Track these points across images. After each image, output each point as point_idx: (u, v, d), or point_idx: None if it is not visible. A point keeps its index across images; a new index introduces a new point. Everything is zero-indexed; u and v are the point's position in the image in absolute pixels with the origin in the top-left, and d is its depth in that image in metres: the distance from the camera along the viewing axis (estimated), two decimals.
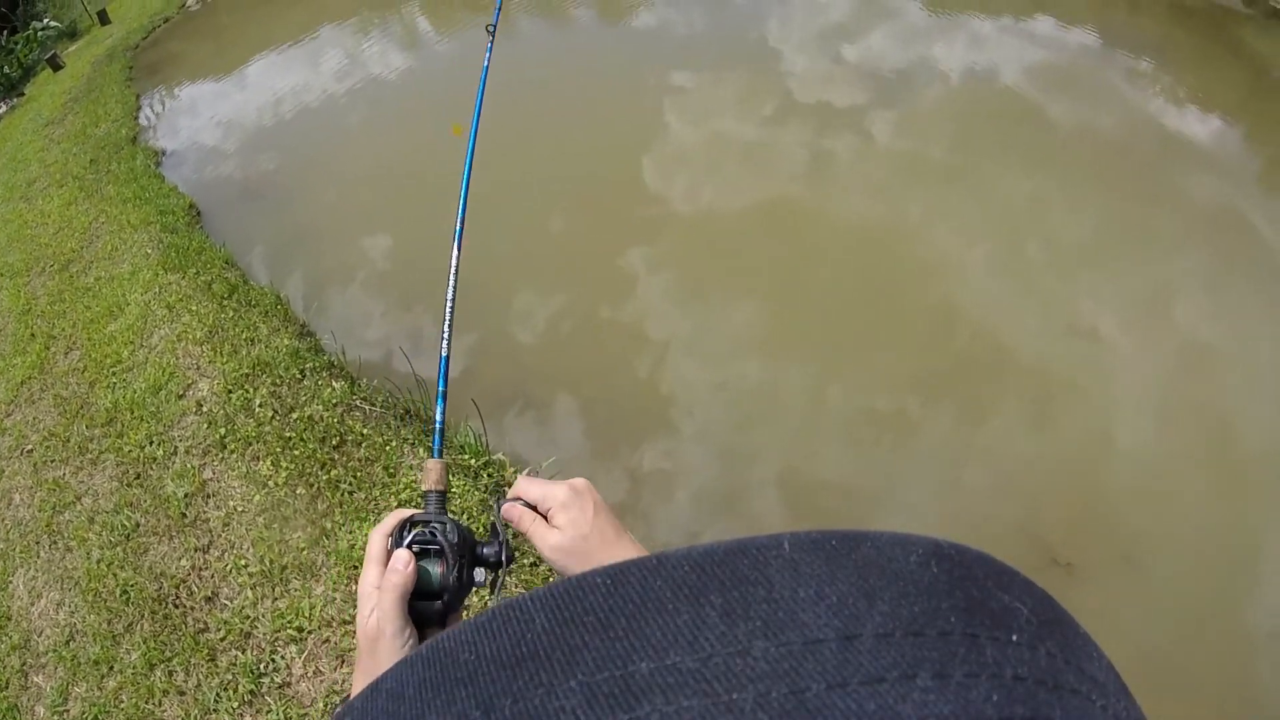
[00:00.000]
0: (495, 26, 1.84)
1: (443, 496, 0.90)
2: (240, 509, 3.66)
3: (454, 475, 3.58)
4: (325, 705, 3.01)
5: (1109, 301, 5.00)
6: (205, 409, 4.08)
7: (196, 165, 7.32)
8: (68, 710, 3.34)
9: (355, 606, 2.61)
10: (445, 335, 1.04)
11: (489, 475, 3.60)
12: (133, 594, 3.53)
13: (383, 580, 0.75)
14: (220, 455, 3.87)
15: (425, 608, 0.77)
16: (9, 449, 4.45)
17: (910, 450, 4.15)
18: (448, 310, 1.08)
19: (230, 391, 4.10)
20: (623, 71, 7.46)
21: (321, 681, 3.08)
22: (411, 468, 3.65)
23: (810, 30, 7.89)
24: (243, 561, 3.47)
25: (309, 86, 8.34)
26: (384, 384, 4.14)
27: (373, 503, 3.53)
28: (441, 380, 1.01)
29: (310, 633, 3.20)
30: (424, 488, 0.90)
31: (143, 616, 3.45)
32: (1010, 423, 4.32)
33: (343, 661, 3.11)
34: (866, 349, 4.60)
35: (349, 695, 0.88)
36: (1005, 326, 4.80)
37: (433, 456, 0.94)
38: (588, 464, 3.88)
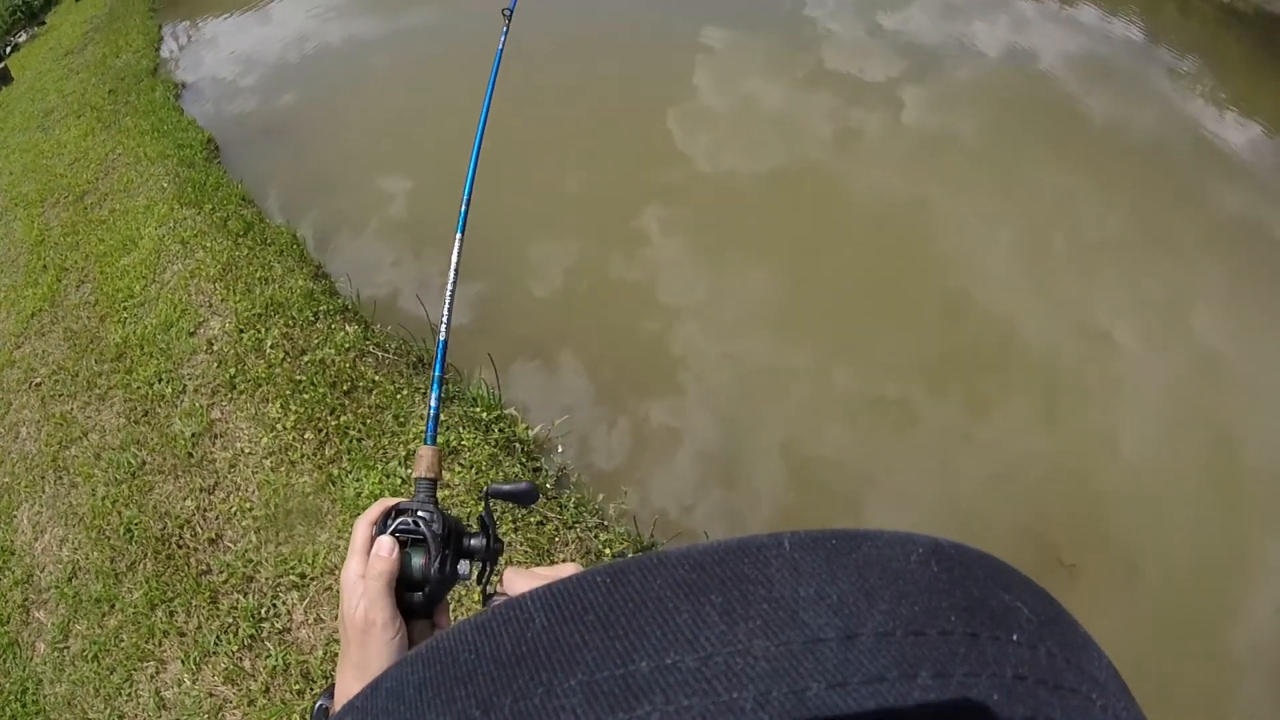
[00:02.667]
0: (512, 11, 1.79)
1: (433, 485, 0.86)
2: (247, 451, 3.59)
3: (465, 429, 3.50)
4: (325, 653, 2.98)
5: (1126, 303, 4.96)
6: (216, 348, 4.01)
7: (216, 100, 7.15)
8: (68, 646, 3.32)
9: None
10: (444, 319, 1.01)
11: (500, 430, 3.53)
12: (136, 532, 3.49)
13: (367, 569, 0.73)
14: (229, 395, 3.80)
15: (409, 599, 0.75)
16: (17, 382, 4.39)
17: (913, 436, 4.12)
18: (448, 295, 1.05)
19: (242, 331, 4.02)
20: (652, 28, 7.23)
21: (322, 629, 3.04)
22: (423, 417, 3.57)
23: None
24: (248, 504, 3.42)
25: (334, 25, 8.13)
26: (398, 331, 4.05)
27: (381, 451, 3.45)
28: (439, 365, 0.97)
29: (312, 579, 3.16)
30: (414, 474, 0.87)
31: (145, 556, 3.41)
32: (1016, 417, 4.30)
33: None
34: (877, 330, 4.54)
35: (331, 685, 0.82)
36: (1019, 319, 4.75)
37: (425, 443, 0.91)
38: (591, 424, 3.82)
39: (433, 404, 0.96)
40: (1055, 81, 7.00)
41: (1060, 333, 4.73)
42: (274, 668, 2.97)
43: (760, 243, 4.87)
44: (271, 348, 3.92)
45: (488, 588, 0.82)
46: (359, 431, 3.53)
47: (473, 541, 0.81)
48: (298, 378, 3.76)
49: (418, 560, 0.76)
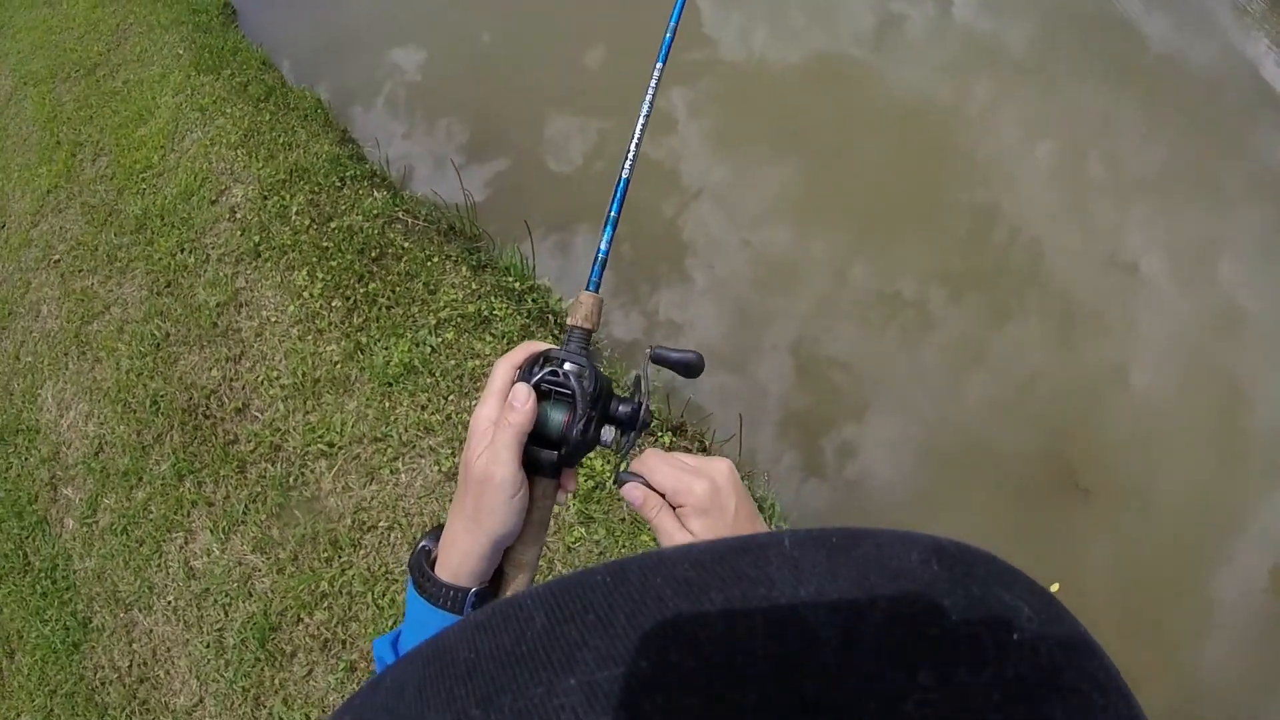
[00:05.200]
0: None
1: (587, 336, 0.77)
2: (274, 319, 3.44)
3: (497, 298, 3.34)
4: (353, 520, 2.94)
5: (1157, 240, 4.82)
6: (239, 216, 3.82)
7: None
8: (97, 521, 3.27)
9: (385, 426, 2.38)
10: (630, 154, 0.90)
11: (533, 300, 3.36)
12: (162, 404, 3.39)
13: (500, 416, 0.68)
14: (254, 264, 3.63)
15: (539, 454, 0.70)
16: (36, 260, 4.24)
17: (928, 343, 4.03)
18: (639, 128, 0.94)
19: (266, 198, 3.82)
20: None
21: (350, 497, 2.97)
22: (454, 286, 3.39)
23: None
24: (274, 373, 3.29)
25: None
26: (429, 196, 3.84)
27: (410, 319, 3.29)
28: (616, 205, 0.86)
29: (340, 449, 3.07)
30: (570, 321, 0.78)
31: (172, 428, 3.32)
32: (1032, 338, 4.20)
33: (371, 479, 2.99)
34: (900, 232, 4.39)
35: (438, 527, 0.75)
36: (1046, 239, 4.59)
37: (587, 288, 0.80)
38: (614, 299, 3.72)
39: (603, 246, 0.84)
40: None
41: (1087, 259, 4.60)
42: (302, 536, 2.90)
43: (788, 132, 4.62)
44: (297, 214, 3.72)
45: (622, 465, 0.75)
46: (388, 299, 3.36)
47: (621, 408, 0.74)
48: (324, 244, 3.57)
49: (558, 416, 0.70)
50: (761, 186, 4.35)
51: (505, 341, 3.22)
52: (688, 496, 0.69)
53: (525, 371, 0.71)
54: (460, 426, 3.05)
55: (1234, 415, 4.30)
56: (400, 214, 3.68)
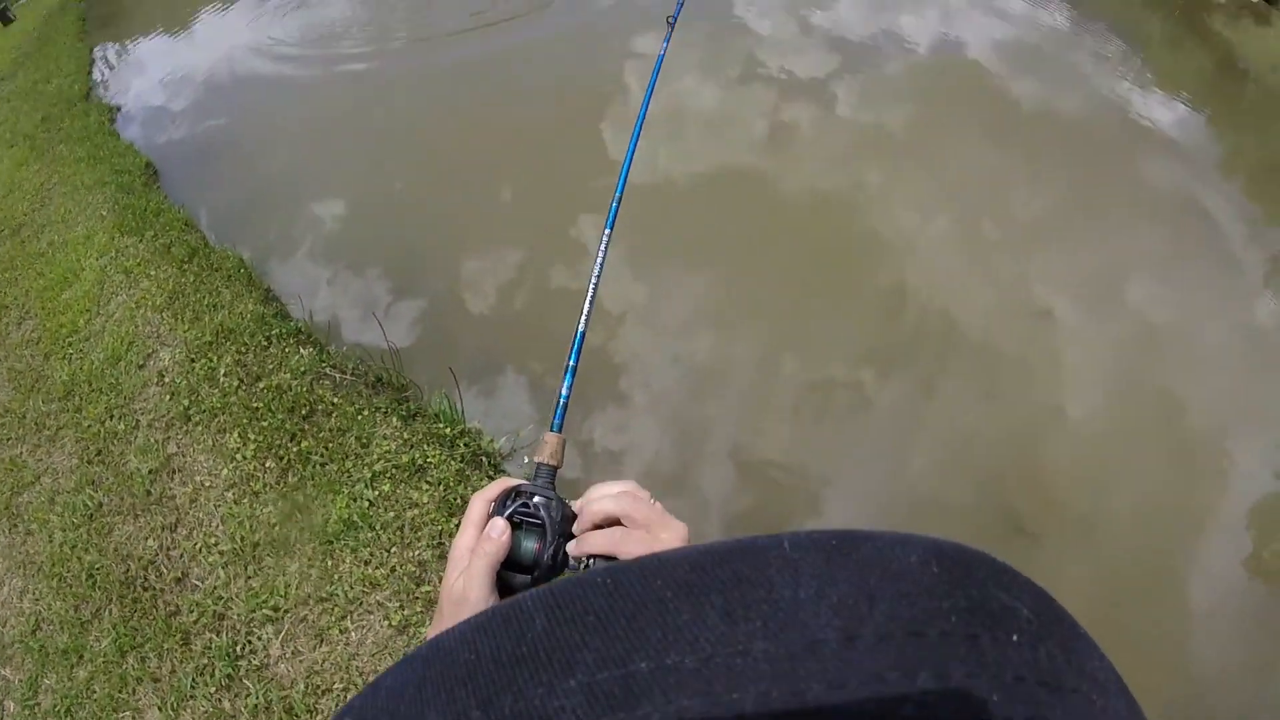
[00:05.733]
0: (675, 19, 1.74)
1: (553, 472, 0.87)
2: (208, 484, 3.49)
3: (430, 445, 3.44)
4: (306, 686, 2.92)
5: (1062, 280, 5.12)
6: (168, 379, 3.89)
7: (153, 123, 6.92)
8: (39, 703, 3.22)
9: (330, 585, 2.47)
10: (585, 310, 1.01)
11: (465, 444, 3.46)
12: (99, 578, 3.38)
13: (476, 544, 0.74)
14: (185, 428, 3.69)
15: (513, 579, 0.76)
16: None
17: (864, 424, 4.21)
18: (591, 285, 1.03)
19: (193, 360, 3.90)
20: (580, 33, 7.14)
21: (301, 661, 2.98)
22: (386, 437, 3.49)
23: None
24: (213, 539, 3.33)
25: (265, 37, 7.89)
26: (355, 350, 3.95)
27: (345, 475, 3.37)
28: (574, 355, 0.98)
29: (286, 612, 3.09)
30: (537, 459, 0.88)
31: (111, 601, 3.31)
32: (964, 397, 4.40)
33: (321, 640, 3.00)
34: (820, 322, 4.61)
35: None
36: (959, 301, 4.86)
37: (551, 429, 0.91)
38: (537, 434, 3.76)
39: (564, 392, 0.96)
40: (985, 68, 7.20)
41: (1001, 312, 4.86)
42: (255, 706, 2.89)
43: (700, 245, 4.89)
44: (225, 375, 3.81)
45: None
46: (322, 456, 3.45)
47: None
48: (254, 405, 3.66)
49: (530, 544, 0.76)
50: (682, 299, 4.54)
51: (442, 488, 3.31)
52: (648, 517, 0.74)
53: (499, 504, 0.77)
54: (406, 578, 3.12)
55: (1172, 422, 4.47)
56: (328, 369, 3.79)
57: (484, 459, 3.44)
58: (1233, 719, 3.64)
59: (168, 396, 3.81)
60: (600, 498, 0.76)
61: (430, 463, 3.37)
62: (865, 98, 6.51)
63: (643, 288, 4.55)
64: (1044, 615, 0.28)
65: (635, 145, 1.37)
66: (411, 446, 3.43)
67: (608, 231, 1.14)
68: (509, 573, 0.75)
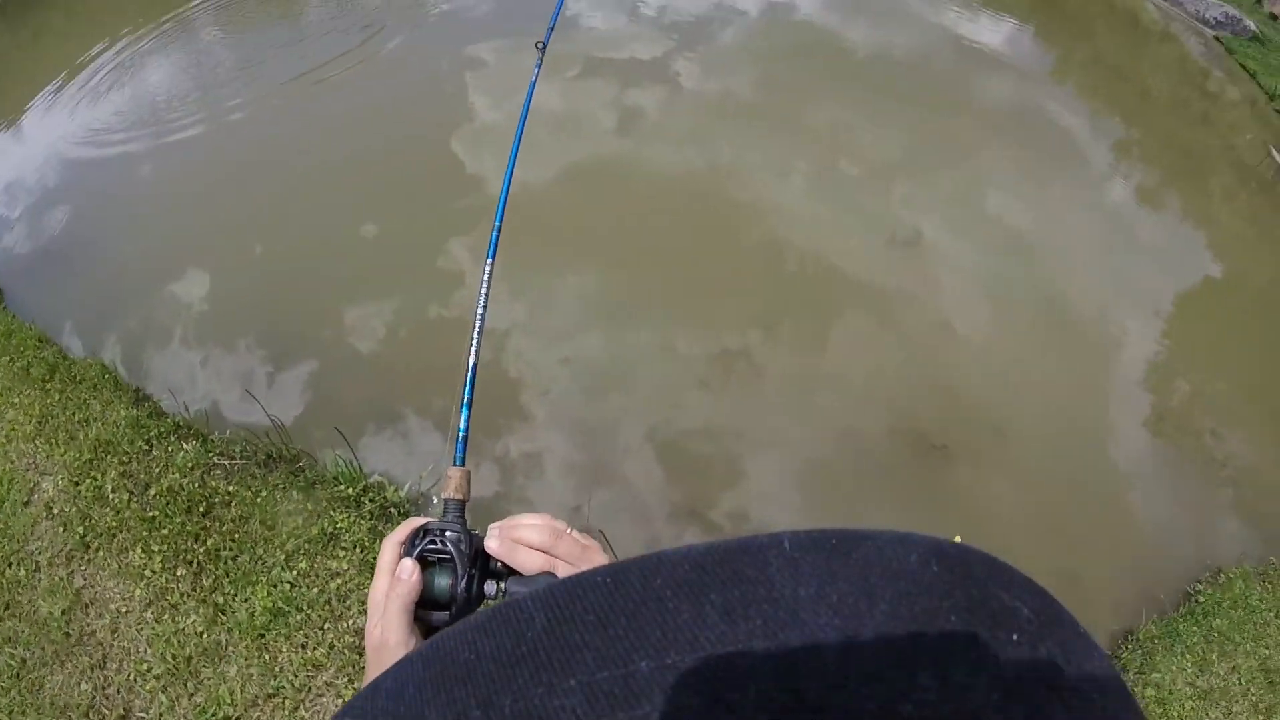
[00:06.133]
0: (545, 45, 1.69)
1: (461, 506, 0.86)
2: (124, 610, 3.37)
3: (336, 510, 3.35)
4: None
5: (926, 206, 5.33)
6: (56, 510, 3.72)
7: None
8: None
9: (273, 680, 2.40)
10: (474, 342, 1.01)
11: (370, 500, 3.39)
12: None
13: (389, 589, 0.74)
14: (86, 556, 3.54)
15: (431, 617, 0.75)
16: None
17: (767, 381, 4.28)
18: (478, 317, 1.04)
19: (77, 484, 3.74)
20: (416, 53, 6.88)
21: None
22: (290, 514, 3.41)
23: None
24: (144, 665, 3.22)
25: (92, 127, 7.34)
26: (239, 433, 3.82)
27: (259, 562, 3.29)
28: (468, 389, 0.98)
29: (238, 718, 3.00)
30: (443, 494, 0.87)
31: None
32: (858, 333, 4.54)
33: None
34: (706, 295, 4.66)
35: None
36: (834, 246, 5.00)
37: (454, 464, 0.91)
38: (444, 471, 3.72)
39: (462, 425, 0.96)
40: (815, 23, 7.40)
41: (873, 249, 5.02)
42: None
43: (571, 244, 4.88)
44: (114, 492, 3.65)
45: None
46: (231, 550, 3.35)
47: (500, 563, 0.79)
48: (150, 515, 3.52)
49: (443, 580, 0.76)
50: (565, 302, 4.51)
51: (358, 550, 3.25)
52: (570, 549, 0.75)
53: (409, 545, 0.77)
54: (347, 650, 3.07)
55: (1055, 314, 4.72)
56: (215, 458, 3.66)
57: (393, 509, 3.38)
58: (1191, 551, 3.82)
59: (61, 529, 3.65)
60: (527, 526, 0.75)
61: (340, 528, 3.30)
62: (707, 70, 6.55)
63: (522, 299, 4.50)
64: (1044, 615, 0.28)
65: (511, 173, 1.39)
66: (319, 516, 3.35)
67: (489, 261, 1.13)
68: (426, 611, 0.75)
